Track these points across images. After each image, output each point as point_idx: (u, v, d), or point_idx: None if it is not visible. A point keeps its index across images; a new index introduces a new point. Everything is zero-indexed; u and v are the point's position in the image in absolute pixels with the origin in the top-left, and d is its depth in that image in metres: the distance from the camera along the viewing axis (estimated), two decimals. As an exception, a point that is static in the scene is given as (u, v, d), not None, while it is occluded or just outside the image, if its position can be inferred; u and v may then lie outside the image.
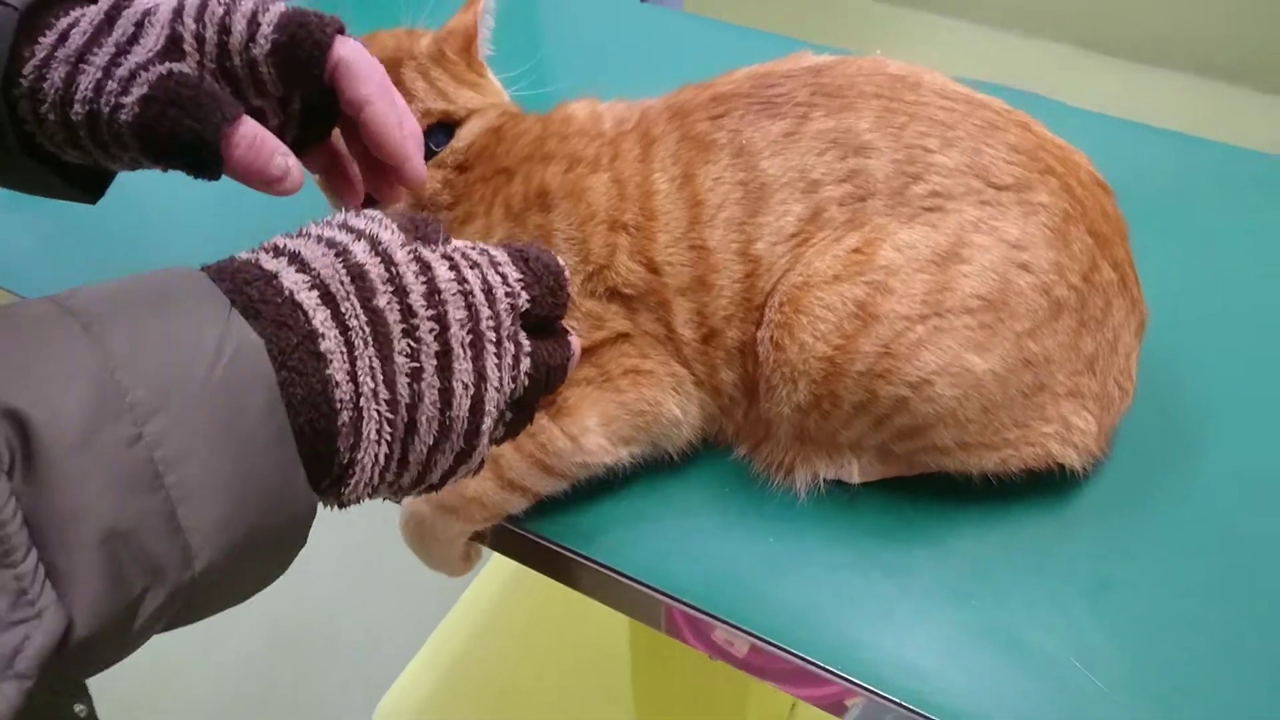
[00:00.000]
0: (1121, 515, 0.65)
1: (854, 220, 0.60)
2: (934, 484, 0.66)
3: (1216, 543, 0.64)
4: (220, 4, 0.51)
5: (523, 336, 0.44)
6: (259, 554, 0.37)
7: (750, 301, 0.62)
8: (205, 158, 0.49)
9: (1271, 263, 0.82)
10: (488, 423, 0.43)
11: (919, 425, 0.61)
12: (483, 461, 0.45)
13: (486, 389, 0.42)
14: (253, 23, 0.51)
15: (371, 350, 0.39)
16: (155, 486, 0.33)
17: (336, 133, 0.58)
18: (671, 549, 0.64)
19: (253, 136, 0.50)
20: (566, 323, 0.62)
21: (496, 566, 1.46)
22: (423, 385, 0.40)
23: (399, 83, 0.68)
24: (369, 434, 0.39)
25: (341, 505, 0.42)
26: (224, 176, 0.53)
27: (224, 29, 0.50)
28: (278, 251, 0.40)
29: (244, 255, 0.40)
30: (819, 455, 0.65)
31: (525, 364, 0.44)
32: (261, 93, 0.52)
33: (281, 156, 0.51)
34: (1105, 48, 2.38)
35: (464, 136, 0.68)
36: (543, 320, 0.46)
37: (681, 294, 0.62)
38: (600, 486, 0.67)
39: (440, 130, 0.69)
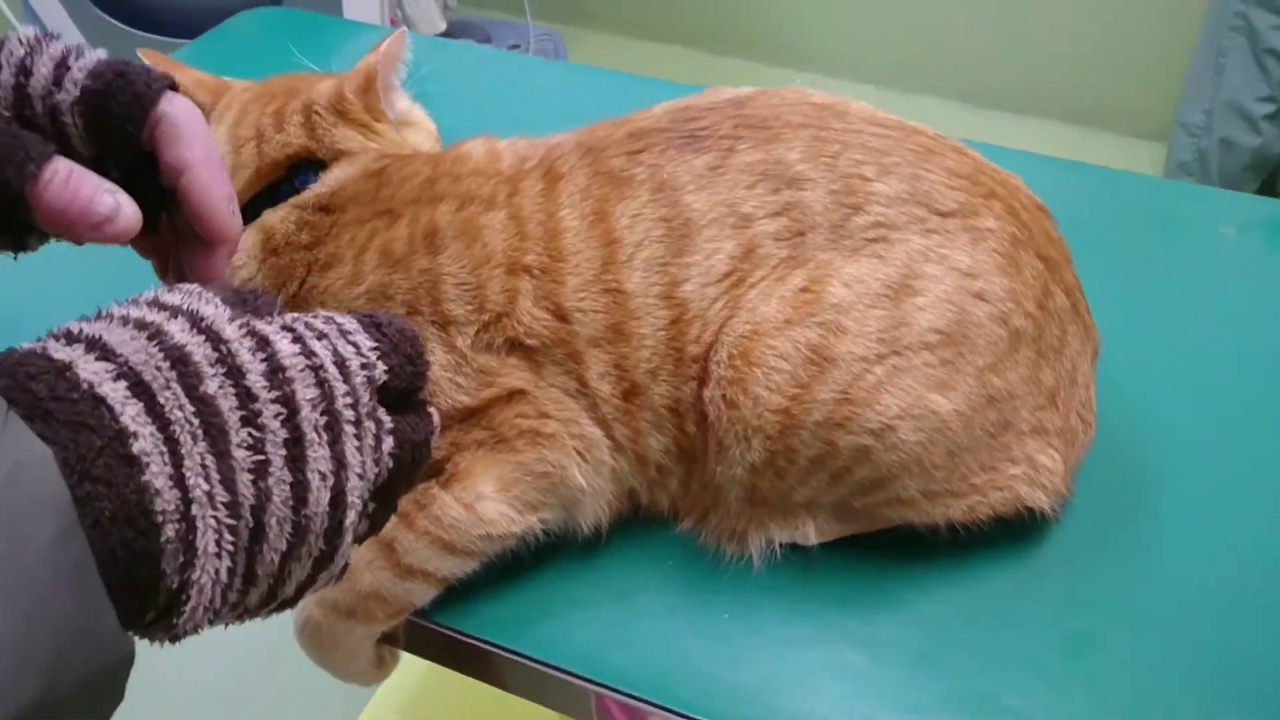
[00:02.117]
0: (1088, 560, 0.61)
1: (794, 257, 0.55)
2: (894, 539, 0.60)
3: (1192, 585, 0.59)
4: (22, 44, 0.43)
5: (382, 413, 0.38)
6: (60, 713, 0.29)
7: (680, 352, 0.56)
8: (8, 205, 0.40)
9: (1196, 289, 0.81)
10: (351, 516, 0.36)
11: (882, 477, 0.55)
12: (346, 565, 0.38)
13: (348, 477, 0.36)
14: (61, 66, 0.42)
15: (202, 446, 0.32)
16: None
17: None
18: (611, 636, 0.57)
19: (67, 172, 0.40)
20: (454, 378, 0.55)
21: (408, 666, 1.34)
22: (270, 482, 0.33)
23: (280, 114, 0.62)
24: (205, 547, 0.32)
25: (174, 639, 0.34)
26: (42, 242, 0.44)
27: (23, 70, 0.42)
28: (71, 338, 0.33)
29: (26, 346, 0.33)
30: (773, 518, 0.59)
31: (388, 444, 0.38)
32: (67, 150, 0.43)
33: (109, 194, 0.41)
34: (982, 100, 2.46)
35: (328, 180, 0.61)
36: (401, 393, 0.39)
37: (595, 344, 0.56)
38: (525, 570, 0.59)
39: (309, 169, 0.62)
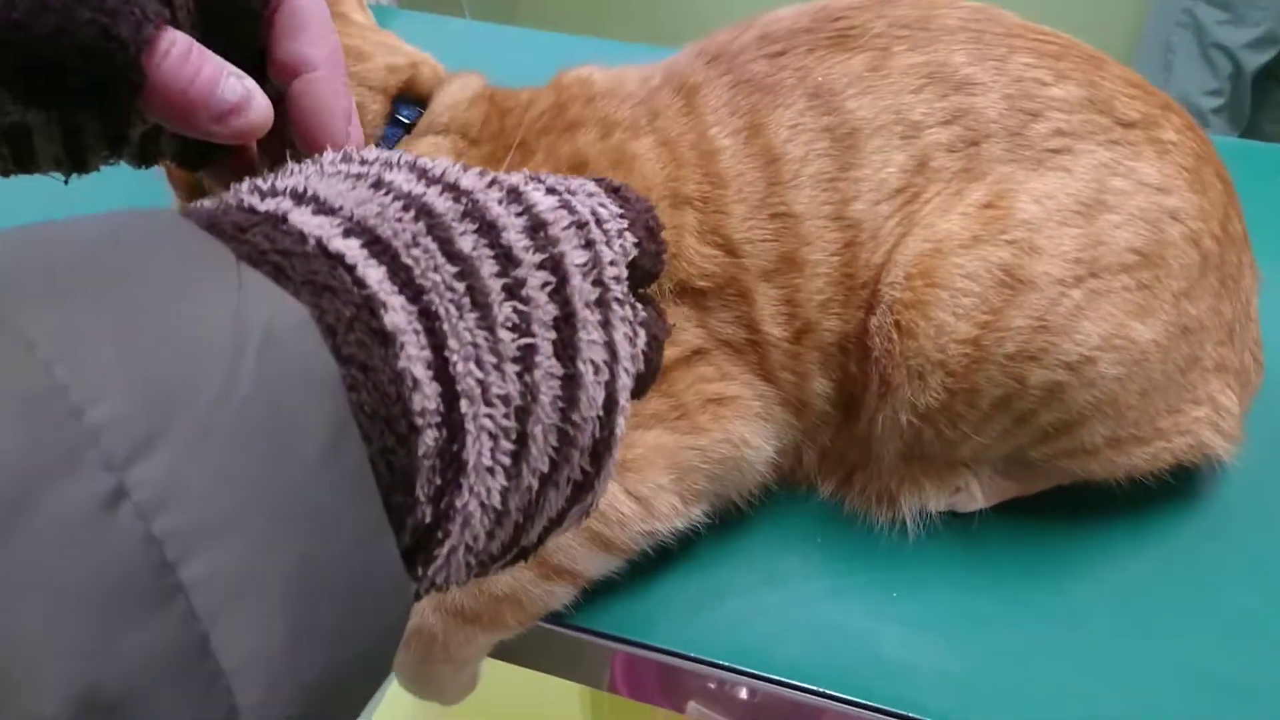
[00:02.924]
0: (1265, 506, 0.55)
1: (970, 170, 0.48)
2: (1054, 501, 0.54)
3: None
4: None
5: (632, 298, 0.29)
6: (338, 697, 0.19)
7: (852, 278, 0.48)
8: (118, 76, 0.29)
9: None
10: (622, 424, 0.27)
11: (1070, 420, 0.48)
12: (599, 498, 0.29)
13: (619, 372, 0.27)
14: None
15: (470, 320, 0.23)
16: (165, 592, 0.16)
17: None
18: (776, 627, 0.48)
19: (187, 45, 0.31)
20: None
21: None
22: (537, 375, 0.24)
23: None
24: (475, 460, 0.22)
25: (415, 597, 0.24)
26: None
27: None
28: (264, 193, 0.24)
29: (207, 203, 0.23)
30: (930, 477, 0.52)
31: (642, 338, 0.29)
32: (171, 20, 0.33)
33: (236, 78, 0.31)
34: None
35: (454, 98, 0.50)
36: (640, 278, 0.30)
37: (766, 278, 0.48)
38: (656, 560, 0.50)
39: (406, 102, 0.51)
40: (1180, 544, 0.53)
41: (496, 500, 0.23)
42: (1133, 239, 0.47)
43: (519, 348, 0.24)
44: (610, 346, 0.26)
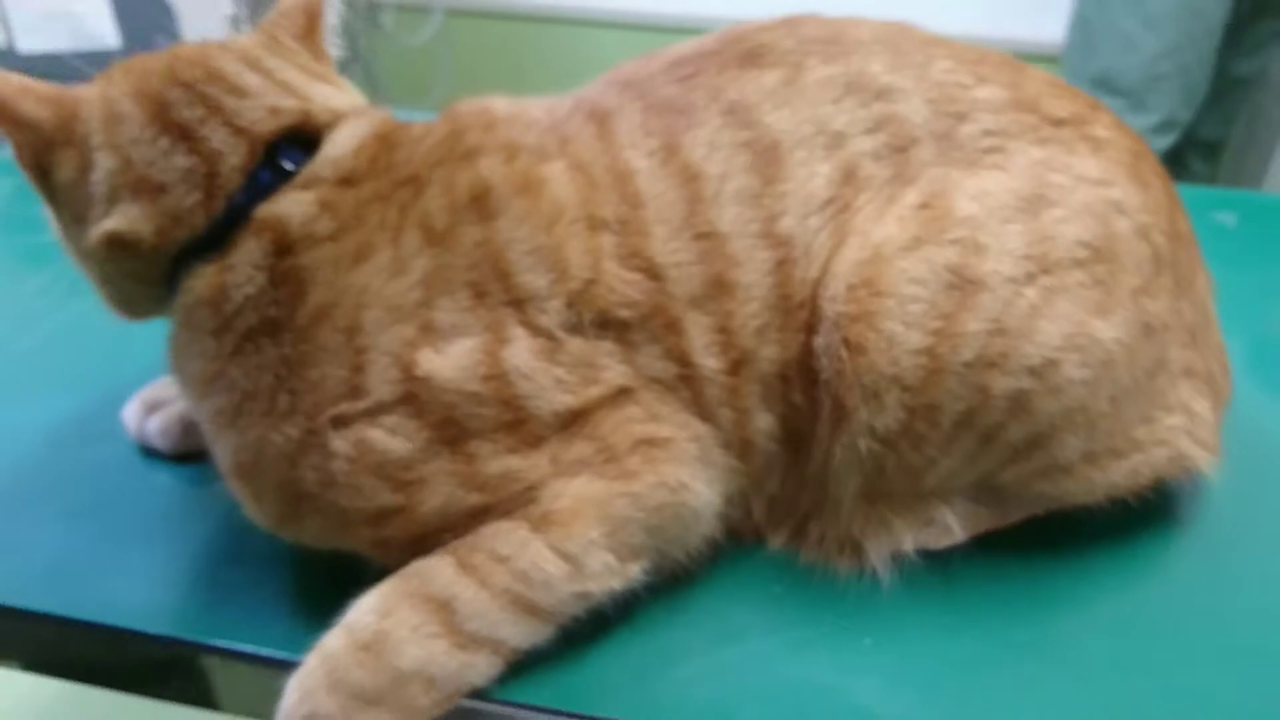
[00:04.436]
0: (1255, 524, 0.51)
1: (901, 175, 0.45)
2: (1033, 532, 0.49)
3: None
4: None
5: None
6: None
7: (789, 299, 0.44)
8: None
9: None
10: None
11: (1040, 433, 0.44)
12: None
13: None
14: None
15: None
16: None
17: None
18: (736, 688, 0.42)
19: None
20: (551, 370, 0.42)
21: None
22: None
23: (214, 79, 0.45)
24: None
25: None
26: None
27: None
28: None
29: None
30: (898, 514, 0.47)
31: None
32: None
33: None
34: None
35: (342, 141, 0.45)
36: None
37: (696, 305, 0.43)
38: (597, 621, 0.44)
39: (291, 146, 0.45)
40: (1168, 568, 0.49)
41: None
42: (1081, 232, 0.44)
43: None
44: None
